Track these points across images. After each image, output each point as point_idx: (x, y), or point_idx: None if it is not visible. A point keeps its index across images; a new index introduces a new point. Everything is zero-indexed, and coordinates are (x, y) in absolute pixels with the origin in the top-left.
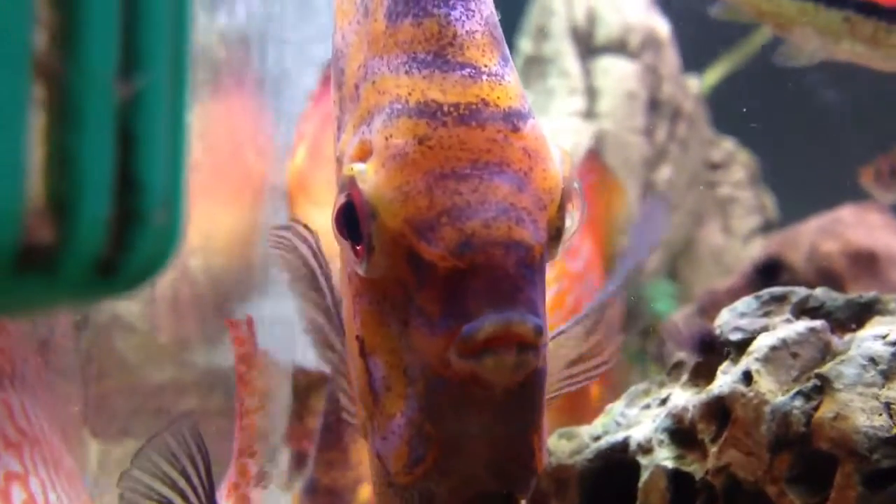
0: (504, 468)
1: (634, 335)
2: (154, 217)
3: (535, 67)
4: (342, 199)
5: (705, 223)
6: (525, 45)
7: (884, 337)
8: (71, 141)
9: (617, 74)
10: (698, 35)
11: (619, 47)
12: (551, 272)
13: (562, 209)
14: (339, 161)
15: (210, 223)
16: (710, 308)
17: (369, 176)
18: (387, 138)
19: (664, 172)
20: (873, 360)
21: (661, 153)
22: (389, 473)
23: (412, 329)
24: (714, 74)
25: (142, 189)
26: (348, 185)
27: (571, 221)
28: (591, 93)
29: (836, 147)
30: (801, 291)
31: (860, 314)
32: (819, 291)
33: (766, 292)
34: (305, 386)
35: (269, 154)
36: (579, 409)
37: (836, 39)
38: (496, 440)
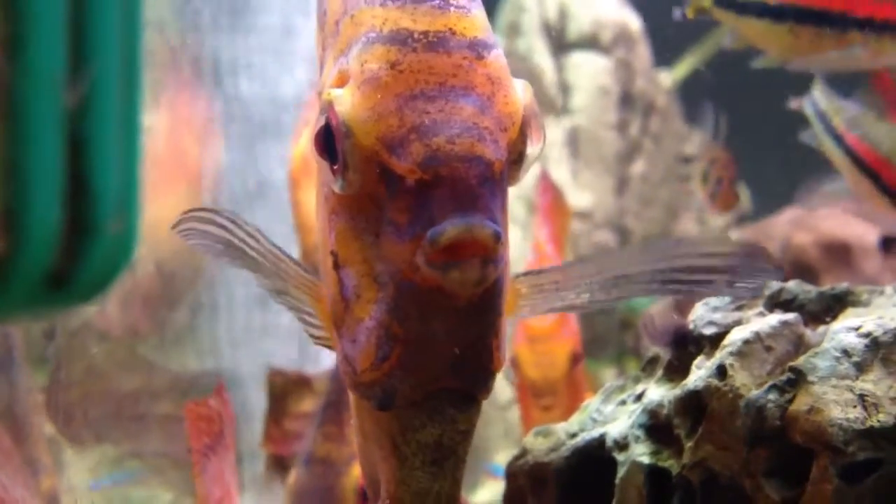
0: (464, 367)
1: (613, 331)
2: (107, 225)
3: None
4: (321, 122)
5: (680, 216)
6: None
7: (857, 329)
8: (18, 148)
9: (589, 70)
10: (670, 29)
11: (590, 43)
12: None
13: (522, 133)
14: (319, 95)
15: (153, 210)
16: (686, 302)
17: (345, 99)
18: (362, 64)
19: (638, 167)
20: (847, 352)
21: (635, 147)
22: (356, 373)
23: (383, 238)
24: (683, 68)
25: (94, 196)
26: (326, 108)
27: (533, 147)
28: (564, 88)
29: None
30: (774, 285)
31: (833, 306)
32: (792, 284)
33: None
34: (282, 389)
35: (207, 139)
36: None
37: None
38: (458, 341)
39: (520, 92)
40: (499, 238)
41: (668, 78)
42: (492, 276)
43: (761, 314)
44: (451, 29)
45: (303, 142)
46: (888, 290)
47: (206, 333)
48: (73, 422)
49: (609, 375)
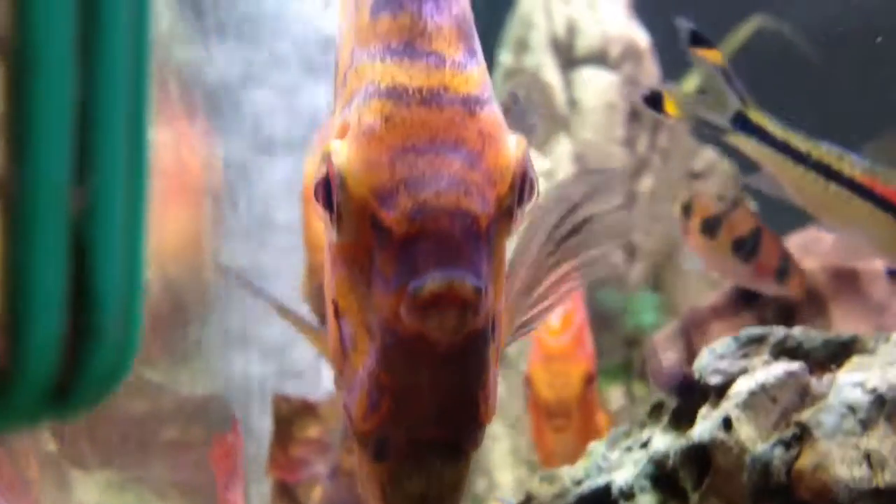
0: (450, 418)
1: (619, 348)
2: (110, 332)
3: (515, 80)
4: (321, 172)
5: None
6: (505, 57)
7: (862, 384)
8: (21, 257)
9: (597, 86)
10: (678, 45)
11: (599, 59)
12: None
13: (514, 187)
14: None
15: (159, 230)
16: (693, 327)
17: (342, 151)
18: (359, 117)
19: (645, 183)
20: (852, 409)
21: (643, 163)
22: (353, 423)
23: (373, 289)
24: (692, 82)
25: (97, 303)
26: (325, 158)
27: (530, 202)
28: (573, 104)
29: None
30: (780, 332)
31: (839, 354)
32: (797, 331)
33: (745, 333)
34: (288, 414)
35: (208, 160)
36: (590, 433)
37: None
38: (442, 391)
39: (513, 146)
40: (479, 291)
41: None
42: (471, 323)
43: (767, 362)
44: (444, 85)
45: (316, 159)
46: (894, 336)
47: (215, 354)
48: (78, 445)
49: (615, 395)
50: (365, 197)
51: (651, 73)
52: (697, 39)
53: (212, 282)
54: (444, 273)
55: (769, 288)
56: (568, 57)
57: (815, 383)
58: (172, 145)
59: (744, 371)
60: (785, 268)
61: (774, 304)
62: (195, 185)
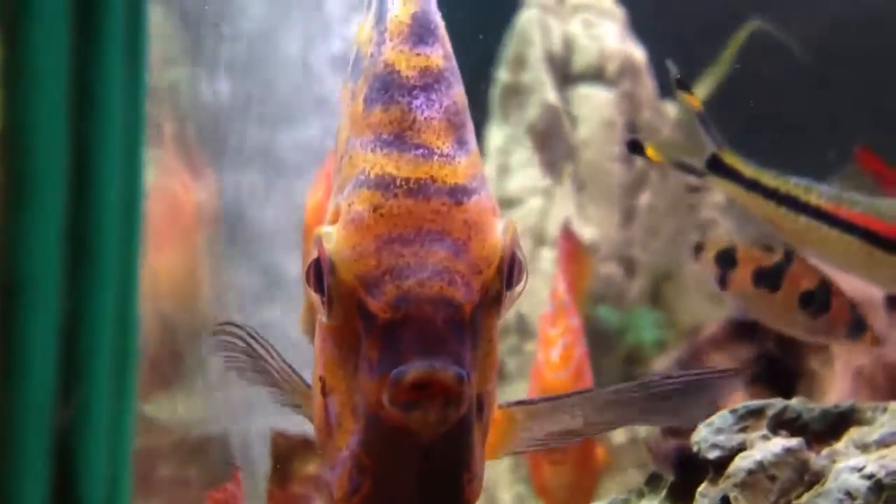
0: (432, 503)
1: (618, 365)
2: None
3: (513, 97)
4: (313, 256)
5: (687, 247)
6: (503, 74)
7: (860, 470)
8: (5, 478)
9: (595, 102)
10: (675, 61)
11: (596, 75)
12: (557, 329)
13: (500, 274)
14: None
15: (154, 267)
16: (691, 358)
17: (332, 237)
18: (349, 205)
19: (644, 198)
20: (850, 495)
21: (641, 179)
22: (333, 501)
23: (359, 372)
24: (703, 89)
25: None
26: (317, 243)
27: (518, 285)
28: (570, 121)
29: (817, 167)
30: (778, 404)
31: (837, 425)
32: (795, 402)
33: (743, 406)
34: (286, 451)
35: (203, 194)
36: (587, 467)
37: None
38: (424, 478)
39: (500, 233)
40: (462, 380)
41: (675, 110)
42: (454, 416)
43: (765, 437)
44: (432, 176)
45: (318, 193)
46: (892, 406)
47: (213, 390)
48: None
49: None
50: (353, 283)
51: (648, 90)
52: (681, 84)
53: (208, 317)
54: (425, 362)
55: (841, 342)
56: (565, 74)
57: (814, 459)
58: (166, 183)
59: (742, 446)
60: (858, 320)
61: (774, 335)
62: (189, 222)
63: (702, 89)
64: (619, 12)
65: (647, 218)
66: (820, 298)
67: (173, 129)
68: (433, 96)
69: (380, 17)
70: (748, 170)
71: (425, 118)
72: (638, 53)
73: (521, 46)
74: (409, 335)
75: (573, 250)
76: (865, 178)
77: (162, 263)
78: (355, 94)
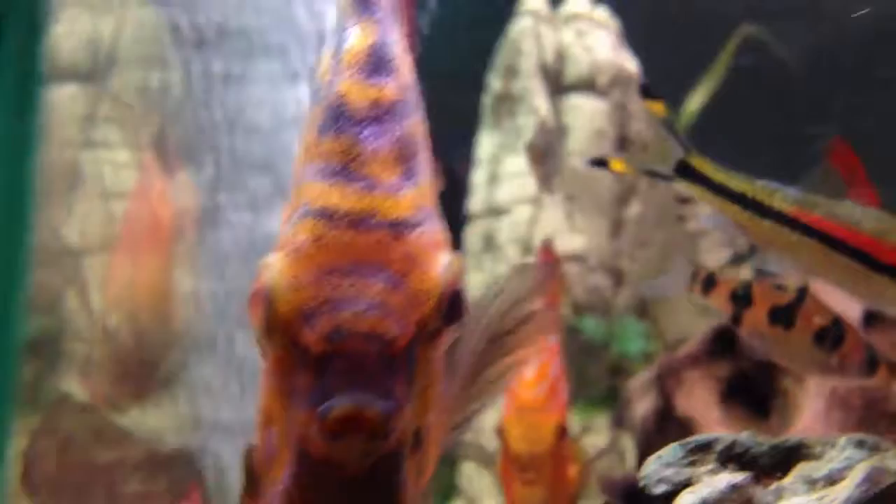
0: None
1: (603, 376)
2: None
3: (504, 105)
4: (256, 285)
5: (675, 257)
6: (495, 83)
7: None
8: None
9: (586, 112)
10: (667, 72)
11: (587, 85)
12: (533, 346)
13: (440, 309)
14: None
15: (127, 277)
16: (668, 375)
17: (274, 266)
18: (293, 234)
19: (633, 209)
20: None
21: (630, 190)
22: None
23: (293, 405)
24: (691, 106)
25: None
26: (259, 272)
27: (459, 320)
28: (561, 131)
29: (808, 179)
30: (727, 438)
31: (785, 460)
32: (744, 436)
33: (693, 440)
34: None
35: (179, 207)
36: (560, 488)
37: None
38: None
39: (442, 268)
40: (388, 416)
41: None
42: (379, 451)
43: (712, 472)
44: (374, 209)
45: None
46: (841, 441)
47: (186, 401)
48: (50, 494)
49: (600, 422)
50: (289, 314)
51: (639, 100)
52: (646, 92)
53: (182, 329)
54: (352, 397)
55: (854, 378)
56: (557, 83)
57: (760, 495)
58: (142, 196)
59: (689, 480)
60: (871, 356)
61: (751, 354)
62: (165, 235)
63: (698, 98)
64: (613, 23)
65: (636, 228)
66: (834, 335)
67: (154, 133)
68: (383, 128)
69: (338, 48)
70: (716, 174)
71: (372, 150)
72: (630, 64)
73: (514, 55)
74: (340, 369)
75: (553, 268)
76: (835, 178)
77: (136, 278)
78: (312, 122)
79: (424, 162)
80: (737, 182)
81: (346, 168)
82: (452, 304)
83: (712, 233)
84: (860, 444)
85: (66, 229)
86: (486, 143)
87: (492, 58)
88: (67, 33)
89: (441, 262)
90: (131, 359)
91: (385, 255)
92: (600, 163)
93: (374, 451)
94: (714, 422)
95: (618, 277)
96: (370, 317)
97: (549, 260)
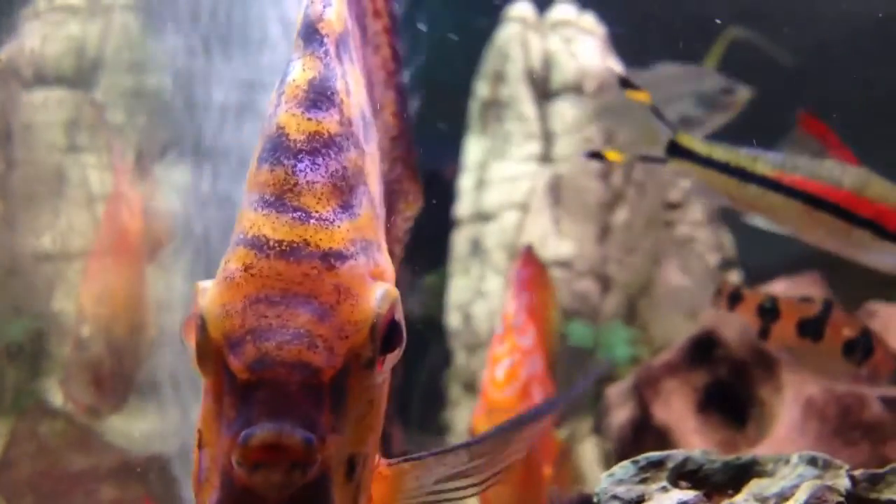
0: None
1: (590, 383)
2: None
3: (492, 111)
4: (193, 310)
5: (663, 263)
6: (482, 89)
7: None
8: None
9: (573, 118)
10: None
11: (574, 91)
12: (503, 347)
13: (372, 340)
14: None
15: (100, 286)
16: (645, 384)
17: (207, 293)
18: (226, 262)
19: (621, 215)
20: None
21: (618, 196)
22: None
23: (221, 429)
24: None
25: None
26: (195, 298)
27: (393, 350)
28: (548, 137)
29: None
30: (679, 455)
31: (738, 477)
32: (697, 453)
33: (644, 457)
34: None
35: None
36: (532, 486)
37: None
38: None
39: (375, 299)
40: (309, 445)
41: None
42: (300, 480)
43: (664, 489)
44: (305, 240)
45: None
46: (793, 458)
47: (160, 409)
48: (24, 498)
49: (585, 429)
50: (219, 341)
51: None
52: (626, 83)
53: (156, 337)
54: (273, 426)
55: (883, 387)
56: (543, 89)
57: None
58: (114, 204)
59: (641, 497)
60: None
61: (728, 363)
62: (135, 246)
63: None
64: (599, 29)
65: (624, 234)
66: (863, 345)
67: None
68: (319, 161)
69: (281, 81)
70: (703, 148)
71: (307, 182)
72: (617, 70)
73: (501, 61)
74: (263, 397)
75: (535, 275)
76: (812, 141)
77: (108, 289)
78: (256, 151)
79: (365, 195)
80: (721, 152)
81: (280, 199)
82: (388, 334)
83: (700, 238)
84: (812, 462)
85: (50, 234)
86: (473, 149)
87: (479, 64)
88: (53, 38)
89: (375, 294)
90: (104, 367)
91: (315, 285)
92: (596, 155)
93: (295, 481)
94: (691, 431)
95: (605, 283)
96: (295, 346)
97: (533, 267)
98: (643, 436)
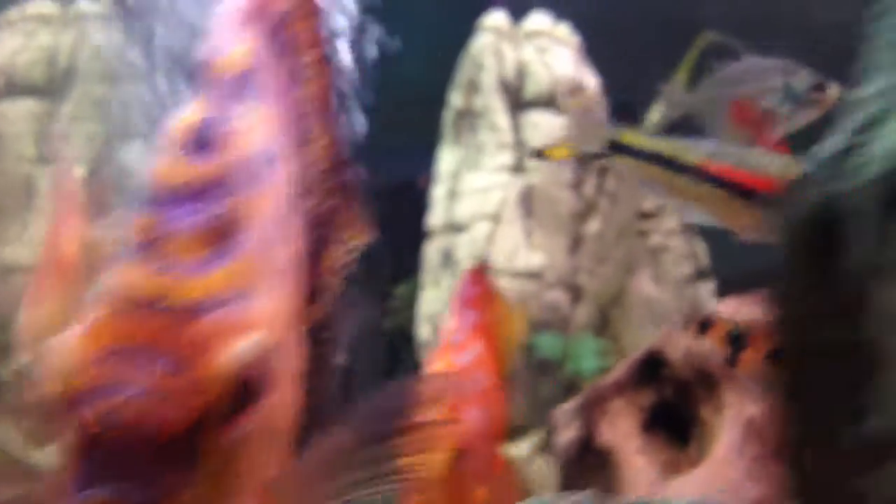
0: None
1: (559, 395)
2: None
3: (465, 121)
4: (42, 364)
5: (636, 273)
6: (456, 98)
7: None
8: None
9: (546, 129)
10: (627, 89)
11: (548, 102)
12: (437, 365)
13: (232, 393)
14: None
15: (37, 316)
16: (594, 403)
17: (61, 343)
18: (85, 313)
19: (593, 226)
20: None
21: (590, 207)
22: None
23: (69, 487)
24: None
25: None
26: (51, 349)
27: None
28: (521, 147)
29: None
30: (570, 497)
31: None
32: (583, 497)
33: (546, 499)
34: None
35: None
36: None
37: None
38: None
39: (237, 350)
40: None
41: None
42: None
43: None
44: (164, 292)
45: None
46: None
47: None
48: None
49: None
50: (66, 395)
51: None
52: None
53: None
54: (110, 488)
55: None
56: (517, 99)
57: None
58: (50, 237)
59: None
60: None
61: (673, 382)
62: (72, 273)
63: (659, 109)
64: (574, 39)
65: (596, 244)
66: None
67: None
68: (192, 208)
69: (169, 125)
70: (643, 142)
71: (174, 230)
72: (591, 81)
73: (474, 71)
74: (104, 457)
75: (483, 292)
76: (741, 133)
77: (44, 318)
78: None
79: (251, 239)
80: (654, 144)
81: (145, 248)
82: (250, 387)
83: (674, 248)
84: None
85: (18, 246)
86: (446, 159)
87: (453, 74)
88: (24, 48)
89: (236, 346)
90: (36, 398)
91: (169, 339)
92: (538, 154)
93: None
94: (634, 451)
95: (577, 294)
96: (140, 403)
97: (478, 284)
98: (586, 456)
